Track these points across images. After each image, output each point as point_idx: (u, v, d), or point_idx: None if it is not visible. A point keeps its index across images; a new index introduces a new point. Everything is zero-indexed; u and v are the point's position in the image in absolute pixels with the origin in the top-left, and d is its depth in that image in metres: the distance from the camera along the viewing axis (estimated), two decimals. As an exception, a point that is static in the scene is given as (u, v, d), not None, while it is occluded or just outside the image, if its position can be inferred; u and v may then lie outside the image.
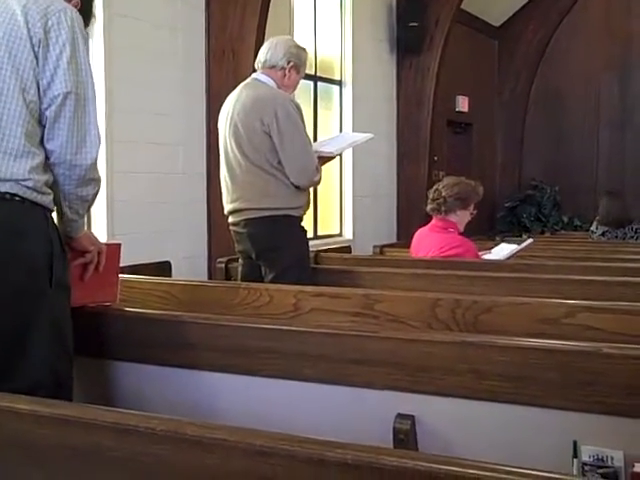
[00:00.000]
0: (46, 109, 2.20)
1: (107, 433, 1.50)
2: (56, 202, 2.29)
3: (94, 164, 2.28)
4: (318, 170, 3.82)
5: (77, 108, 2.21)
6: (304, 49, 3.98)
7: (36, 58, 2.19)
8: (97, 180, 2.34)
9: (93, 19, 2.61)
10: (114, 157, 5.69)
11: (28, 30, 2.18)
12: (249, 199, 3.76)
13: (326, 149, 3.91)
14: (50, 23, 2.20)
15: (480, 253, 4.59)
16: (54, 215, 2.30)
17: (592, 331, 2.51)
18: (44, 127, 2.23)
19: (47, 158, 2.24)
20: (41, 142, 2.23)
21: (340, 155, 4.14)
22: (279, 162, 3.70)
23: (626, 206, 6.89)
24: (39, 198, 2.19)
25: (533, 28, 12.27)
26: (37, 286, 2.16)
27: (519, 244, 4.86)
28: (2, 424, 1.62)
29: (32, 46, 2.18)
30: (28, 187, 2.16)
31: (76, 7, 2.44)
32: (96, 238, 2.53)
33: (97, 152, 2.28)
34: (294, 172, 3.71)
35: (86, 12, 2.52)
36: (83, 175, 2.25)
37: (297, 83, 3.97)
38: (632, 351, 1.85)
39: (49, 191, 2.23)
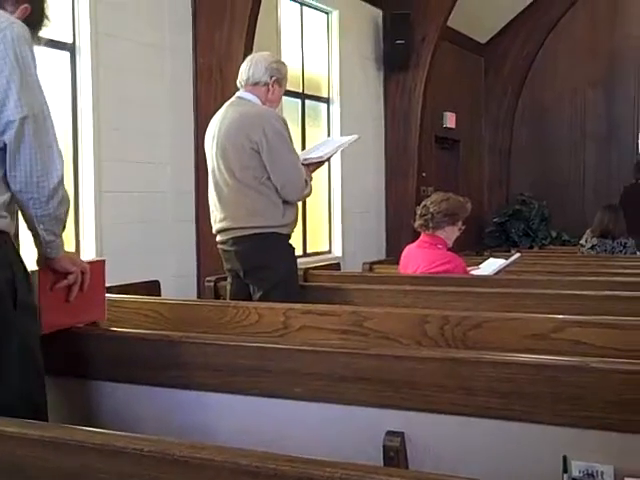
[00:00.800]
0: (2, 134, 2.12)
1: (95, 455, 1.49)
2: (30, 228, 2.24)
3: (61, 181, 2.21)
4: (308, 183, 3.84)
5: (37, 129, 2.14)
6: (283, 63, 4.02)
7: None
8: (66, 196, 2.27)
9: (47, 21, 2.45)
10: (102, 176, 5.69)
11: None
12: (237, 217, 3.77)
13: (315, 154, 3.92)
14: None
15: (469, 269, 4.60)
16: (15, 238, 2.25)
17: (581, 346, 2.51)
18: (2, 152, 2.15)
19: (4, 179, 2.16)
20: None
21: (329, 160, 4.14)
22: (267, 179, 3.71)
23: (619, 220, 6.94)
24: None
25: (519, 45, 12.37)
26: (1, 310, 2.11)
27: (507, 259, 4.87)
28: (-12, 447, 1.61)
29: None
30: None
31: (25, 13, 2.33)
32: (78, 257, 2.49)
33: (61, 170, 2.20)
34: (285, 187, 3.72)
35: (38, 17, 2.40)
36: (52, 195, 2.18)
37: (281, 97, 4.00)
38: (621, 365, 1.85)
39: (5, 214, 2.16)
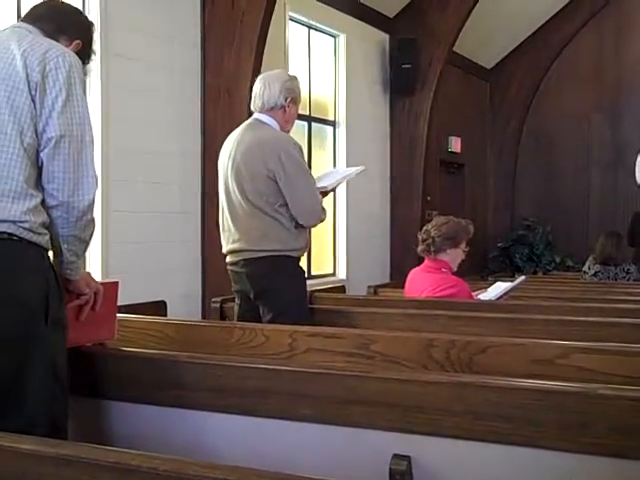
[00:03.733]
0: (41, 151, 2.24)
1: (109, 473, 1.50)
2: (54, 245, 2.30)
3: (91, 205, 2.30)
4: (324, 208, 3.85)
5: (72, 151, 2.24)
6: (296, 78, 4.00)
7: (33, 102, 2.22)
8: (93, 221, 2.36)
9: (94, 55, 2.67)
10: (110, 196, 5.72)
11: (27, 75, 2.22)
12: (249, 240, 3.77)
13: (320, 184, 3.93)
14: (48, 68, 2.25)
15: (476, 292, 4.61)
16: (50, 254, 2.31)
17: (586, 372, 2.52)
18: (40, 169, 2.25)
19: (44, 200, 2.26)
20: (37, 184, 2.26)
21: (334, 190, 4.16)
22: (280, 205, 3.72)
23: (621, 246, 6.96)
24: (35, 238, 2.20)
25: (524, 70, 12.44)
26: (33, 325, 2.17)
27: (512, 282, 4.89)
28: (3, 464, 1.62)
29: (29, 90, 2.22)
30: (24, 228, 2.18)
31: (77, 47, 2.50)
32: (93, 279, 2.52)
33: (94, 194, 2.30)
34: (304, 214, 3.74)
35: (87, 50, 2.59)
36: (80, 216, 2.27)
37: (296, 114, 4.01)
38: (627, 392, 1.86)
39: (45, 231, 2.25)
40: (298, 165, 3.73)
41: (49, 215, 2.26)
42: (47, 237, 2.25)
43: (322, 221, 3.96)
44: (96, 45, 2.75)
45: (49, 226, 2.27)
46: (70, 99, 2.26)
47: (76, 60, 2.34)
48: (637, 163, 2.09)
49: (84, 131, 2.28)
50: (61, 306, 2.29)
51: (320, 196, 3.82)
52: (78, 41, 2.53)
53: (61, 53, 2.30)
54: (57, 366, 2.24)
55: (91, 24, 2.67)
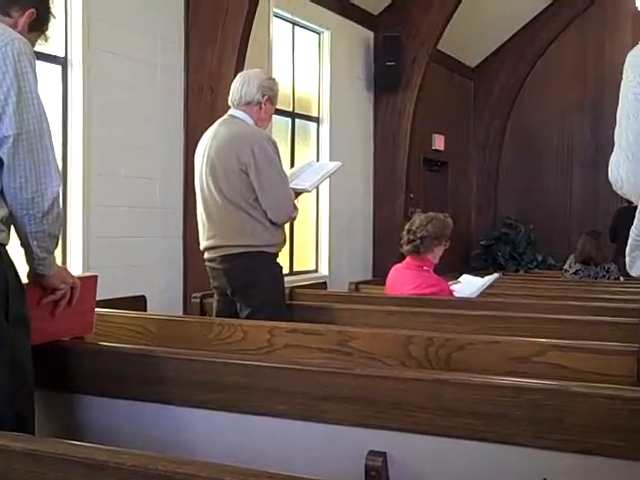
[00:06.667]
0: None
1: (78, 468, 1.50)
2: (23, 243, 2.25)
3: (56, 199, 2.22)
4: (295, 206, 3.85)
5: (32, 145, 2.16)
6: (275, 80, 4.04)
7: None
8: (60, 214, 2.29)
9: (54, 19, 2.49)
10: (91, 190, 5.70)
11: None
12: (225, 236, 3.77)
13: (300, 186, 3.92)
14: None
15: (449, 283, 4.64)
16: (9, 250, 2.23)
17: (562, 370, 2.54)
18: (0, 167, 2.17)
19: (2, 194, 2.19)
20: None
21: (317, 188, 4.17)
22: (255, 199, 3.72)
23: (601, 246, 7.03)
24: None
25: (508, 69, 12.49)
26: None
27: (482, 277, 4.93)
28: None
29: None
30: None
31: (32, 16, 2.36)
32: (68, 273, 2.48)
33: (57, 187, 2.22)
34: (272, 209, 3.73)
35: (44, 17, 2.43)
36: (46, 211, 2.20)
37: (272, 114, 4.03)
38: (601, 390, 1.88)
39: (3, 228, 2.18)
40: (270, 160, 3.73)
41: (14, 213, 2.20)
42: (4, 234, 2.18)
43: (293, 219, 3.96)
44: (54, 8, 2.48)
45: (8, 222, 2.21)
46: (22, 92, 2.15)
47: (25, 46, 2.20)
48: (610, 164, 2.10)
49: (41, 123, 2.19)
50: (23, 303, 2.23)
51: (292, 193, 3.82)
52: (32, 10, 2.36)
53: (9, 41, 2.16)
54: (20, 362, 2.21)
55: None
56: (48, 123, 2.24)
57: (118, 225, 5.95)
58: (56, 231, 2.29)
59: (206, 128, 4.00)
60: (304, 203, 4.16)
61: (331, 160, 8.68)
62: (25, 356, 2.24)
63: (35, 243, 2.24)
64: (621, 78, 2.12)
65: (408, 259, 4.56)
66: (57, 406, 2.45)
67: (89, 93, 5.68)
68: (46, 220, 2.22)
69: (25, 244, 2.26)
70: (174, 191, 6.49)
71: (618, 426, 1.81)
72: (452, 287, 4.62)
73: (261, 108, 3.87)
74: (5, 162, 2.16)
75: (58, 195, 2.24)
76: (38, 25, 2.40)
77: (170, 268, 6.48)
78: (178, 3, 6.57)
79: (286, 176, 3.84)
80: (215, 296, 3.95)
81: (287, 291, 4.27)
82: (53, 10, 2.49)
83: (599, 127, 12.00)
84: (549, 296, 4.97)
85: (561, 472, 1.85)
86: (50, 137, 2.24)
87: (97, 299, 2.70)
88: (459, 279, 4.85)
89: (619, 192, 2.14)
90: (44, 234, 2.24)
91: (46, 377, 2.43)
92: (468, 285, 4.73)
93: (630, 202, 2.27)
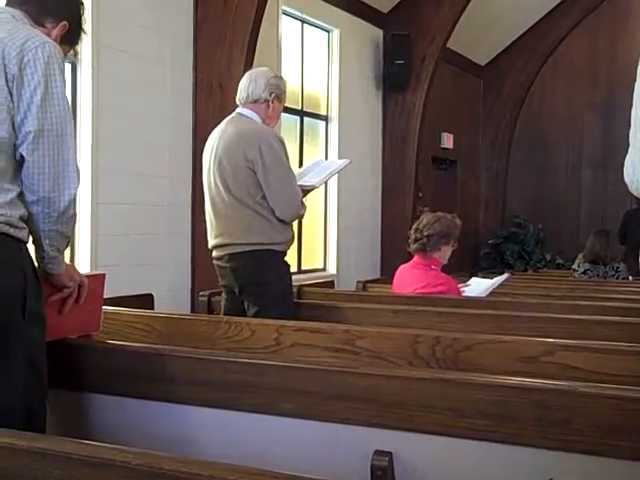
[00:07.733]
0: (20, 145, 2.19)
1: (83, 467, 1.50)
2: (35, 240, 2.27)
3: (72, 200, 2.25)
4: (303, 204, 3.84)
5: (51, 145, 2.19)
6: (282, 78, 4.04)
7: (10, 94, 2.17)
8: (75, 215, 2.31)
9: (84, 34, 2.58)
10: (99, 188, 5.70)
11: (4, 66, 2.17)
12: (233, 234, 3.77)
13: (308, 182, 3.92)
14: (26, 60, 2.19)
15: (460, 286, 4.62)
16: (29, 247, 2.27)
17: (570, 370, 2.53)
18: (18, 163, 2.21)
19: (22, 194, 2.22)
20: (14, 178, 2.21)
21: (325, 184, 4.16)
22: (262, 197, 3.71)
23: (610, 245, 7.00)
24: (12, 231, 2.16)
25: (518, 68, 12.45)
26: (9, 318, 2.14)
27: (492, 278, 4.91)
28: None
29: (6, 82, 2.17)
30: (0, 222, 2.14)
31: (64, 29, 2.44)
32: (77, 272, 2.49)
33: (76, 188, 2.25)
34: (279, 207, 3.72)
35: (76, 31, 2.52)
36: (62, 212, 2.22)
37: (280, 112, 4.02)
38: (609, 391, 1.87)
39: (23, 225, 2.20)
40: (277, 157, 3.72)
41: (30, 210, 2.22)
42: (25, 231, 2.21)
43: (301, 217, 3.96)
44: (86, 25, 2.61)
45: (28, 220, 2.23)
46: (49, 92, 2.20)
47: (56, 50, 2.27)
48: (625, 165, 2.08)
49: (64, 124, 2.23)
50: (40, 299, 2.25)
51: (300, 191, 3.81)
52: (65, 22, 2.45)
53: (40, 43, 2.23)
54: (35, 358, 2.23)
55: (80, 3, 2.56)
56: (72, 126, 2.28)
57: (126, 223, 5.96)
58: (69, 232, 2.31)
59: (215, 125, 4.00)
60: (312, 201, 4.16)
61: (341, 158, 8.68)
62: (40, 352, 2.26)
63: (47, 242, 2.26)
64: (634, 78, 2.11)
65: (416, 258, 4.55)
66: (64, 403, 2.45)
67: (98, 91, 5.69)
68: (61, 220, 2.24)
69: (37, 242, 2.27)
70: (182, 189, 6.49)
71: (626, 427, 1.80)
72: (462, 288, 4.61)
73: (269, 106, 3.87)
74: (25, 158, 2.19)
75: (75, 197, 2.26)
76: (69, 38, 2.47)
77: (178, 266, 6.49)
78: (187, 1, 6.57)
79: (294, 174, 3.83)
80: (223, 294, 3.95)
81: (295, 289, 4.26)
82: (84, 26, 2.58)
83: (610, 126, 11.95)
84: (557, 295, 4.95)
85: (568, 472, 1.84)
86: (73, 139, 2.27)
87: (105, 297, 2.70)
88: (468, 282, 4.84)
89: (635, 193, 2.13)
90: (57, 233, 2.26)
91: (53, 375, 2.43)
92: (477, 286, 4.72)
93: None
